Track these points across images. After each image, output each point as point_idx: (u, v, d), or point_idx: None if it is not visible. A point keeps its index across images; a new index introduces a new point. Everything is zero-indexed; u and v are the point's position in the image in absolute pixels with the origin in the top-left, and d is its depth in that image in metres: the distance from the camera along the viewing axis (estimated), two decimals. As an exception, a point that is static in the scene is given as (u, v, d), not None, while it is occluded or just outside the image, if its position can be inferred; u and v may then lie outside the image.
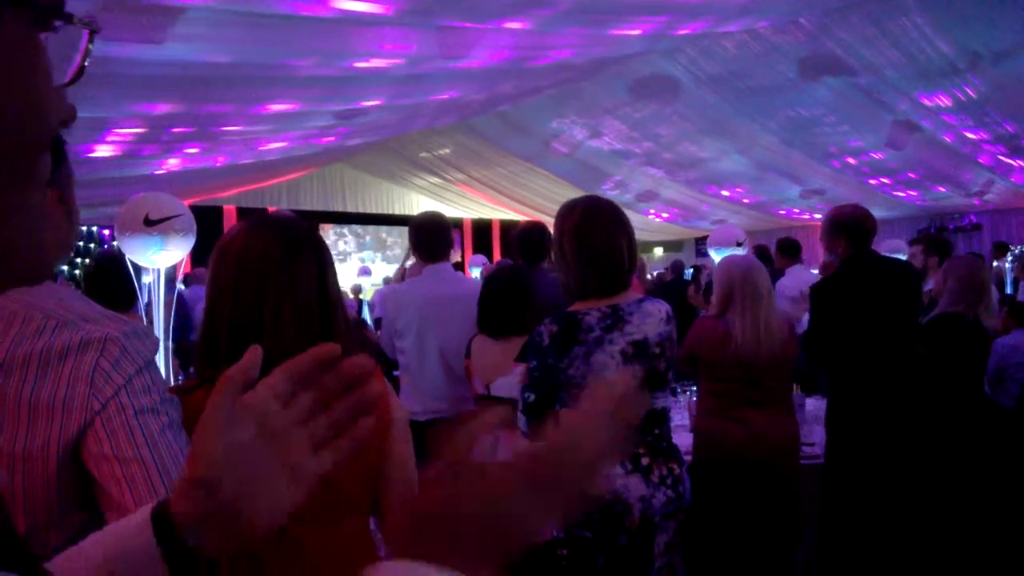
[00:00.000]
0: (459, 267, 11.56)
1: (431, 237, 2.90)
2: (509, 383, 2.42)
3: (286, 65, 5.45)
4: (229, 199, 13.69)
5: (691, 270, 10.19)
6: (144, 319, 2.21)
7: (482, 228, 18.02)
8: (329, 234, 15.79)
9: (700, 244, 19.64)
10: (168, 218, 2.08)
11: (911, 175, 12.05)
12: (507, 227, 18.30)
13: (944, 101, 9.31)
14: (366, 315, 9.00)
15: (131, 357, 0.98)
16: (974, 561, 2.87)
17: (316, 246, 1.36)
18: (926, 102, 9.41)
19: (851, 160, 11.63)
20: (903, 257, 5.85)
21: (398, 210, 16.88)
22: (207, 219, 13.58)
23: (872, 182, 12.58)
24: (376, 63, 5.75)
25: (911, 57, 8.34)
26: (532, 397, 1.98)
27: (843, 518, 2.85)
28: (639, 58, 8.54)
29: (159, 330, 2.16)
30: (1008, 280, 10.99)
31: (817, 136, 10.78)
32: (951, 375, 2.95)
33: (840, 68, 8.79)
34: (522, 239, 3.47)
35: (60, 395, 0.93)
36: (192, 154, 8.22)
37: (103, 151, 7.24)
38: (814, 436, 3.26)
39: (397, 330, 2.73)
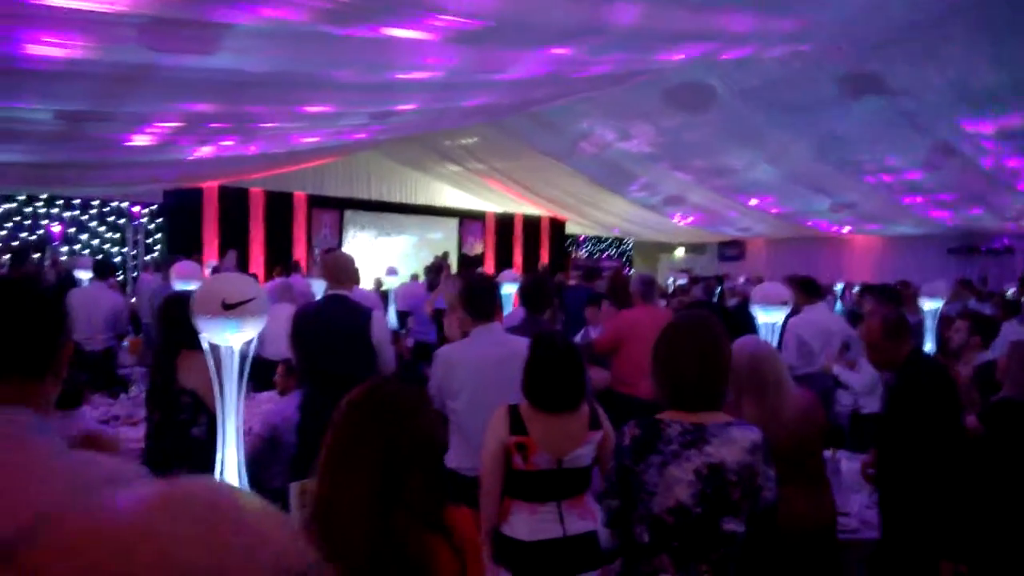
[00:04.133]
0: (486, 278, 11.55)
1: (481, 298, 2.95)
2: (586, 453, 2.47)
3: (327, 74, 5.47)
4: (255, 182, 13.78)
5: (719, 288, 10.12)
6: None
7: (505, 222, 17.99)
8: (353, 221, 15.85)
9: (723, 248, 19.53)
10: (244, 302, 2.13)
11: (945, 196, 11.92)
12: (530, 222, 18.27)
13: (986, 128, 9.18)
14: (392, 310, 9.05)
15: None
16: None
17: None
18: (967, 128, 9.28)
19: (886, 178, 11.51)
20: (940, 303, 5.77)
21: (421, 199, 16.88)
22: (234, 201, 13.82)
23: (905, 200, 12.45)
24: (416, 75, 5.76)
25: (955, 83, 8.21)
26: (615, 504, 2.02)
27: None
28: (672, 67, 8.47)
29: (230, 400, 2.22)
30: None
31: (852, 153, 10.67)
32: (1013, 462, 2.94)
33: (882, 88, 8.67)
34: (528, 289, 3.56)
35: None
36: (226, 145, 8.28)
37: (140, 140, 7.31)
38: (850, 505, 3.21)
39: (450, 390, 2.80)
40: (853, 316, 7.76)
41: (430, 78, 5.99)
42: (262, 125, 7.24)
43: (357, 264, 3.78)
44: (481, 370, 2.85)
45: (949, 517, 2.72)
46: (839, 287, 11.83)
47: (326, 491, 1.36)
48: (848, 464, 3.76)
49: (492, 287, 3.04)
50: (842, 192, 12.46)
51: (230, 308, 2.11)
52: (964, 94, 8.39)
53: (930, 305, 6.03)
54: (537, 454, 2.39)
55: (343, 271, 3.57)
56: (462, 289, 3.05)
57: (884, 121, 9.40)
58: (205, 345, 2.31)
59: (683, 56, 6.34)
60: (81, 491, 1.00)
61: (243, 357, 2.22)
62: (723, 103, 9.63)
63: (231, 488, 0.48)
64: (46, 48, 4.26)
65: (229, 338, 2.18)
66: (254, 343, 2.26)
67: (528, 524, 2.39)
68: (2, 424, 1.06)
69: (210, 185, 13.37)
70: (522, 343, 2.94)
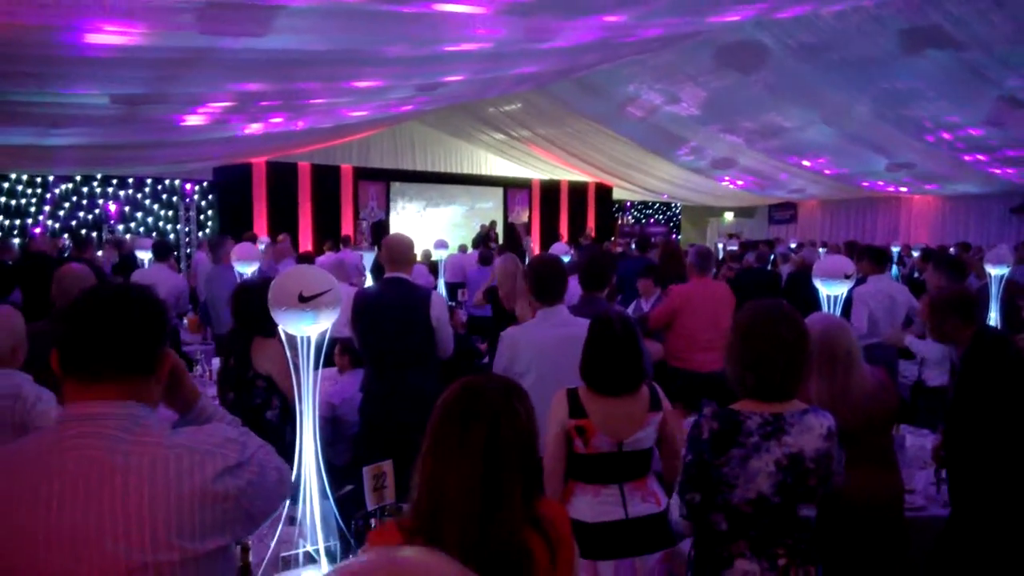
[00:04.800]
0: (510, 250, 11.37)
1: (548, 282, 2.96)
2: (646, 435, 2.46)
3: (377, 50, 5.45)
4: (302, 156, 13.93)
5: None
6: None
7: (550, 189, 17.86)
8: (399, 193, 15.95)
9: (773, 211, 19.08)
10: (320, 294, 2.17)
11: (1010, 152, 11.37)
12: (575, 188, 18.10)
13: (1057, 78, 8.69)
14: (441, 281, 9.12)
15: None
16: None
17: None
18: (1036, 79, 8.80)
19: (946, 135, 11.03)
20: (1007, 269, 5.54)
21: (466, 169, 16.86)
22: (282, 176, 14.01)
23: (966, 158, 11.93)
24: (465, 47, 5.70)
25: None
26: (697, 499, 2.00)
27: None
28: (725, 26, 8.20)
29: (306, 387, 2.27)
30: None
31: (912, 110, 10.23)
32: None
33: (946, 41, 8.25)
34: (586, 267, 3.51)
35: None
36: (275, 122, 8.37)
37: (193, 120, 7.44)
38: (915, 481, 3.16)
39: (516, 372, 2.83)
40: (912, 284, 7.52)
41: (478, 49, 5.93)
42: (311, 102, 7.29)
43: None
44: (547, 352, 2.86)
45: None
46: (895, 250, 11.47)
47: (433, 484, 1.38)
48: (912, 439, 3.68)
49: (560, 270, 3.02)
50: (901, 151, 12.01)
51: (306, 301, 2.16)
52: (1034, 43, 7.94)
53: (996, 271, 5.80)
54: (597, 437, 2.40)
55: (402, 256, 3.59)
56: (529, 272, 3.05)
57: (946, 75, 8.98)
58: (280, 333, 2.36)
59: (737, 18, 6.12)
60: (199, 460, 1.14)
61: (318, 346, 2.27)
62: (776, 62, 9.30)
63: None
64: (106, 36, 4.34)
65: (305, 329, 2.23)
66: (328, 332, 2.31)
67: (591, 506, 2.41)
68: (130, 413, 1.21)
69: (258, 161, 13.58)
70: (587, 325, 2.94)
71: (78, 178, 12.58)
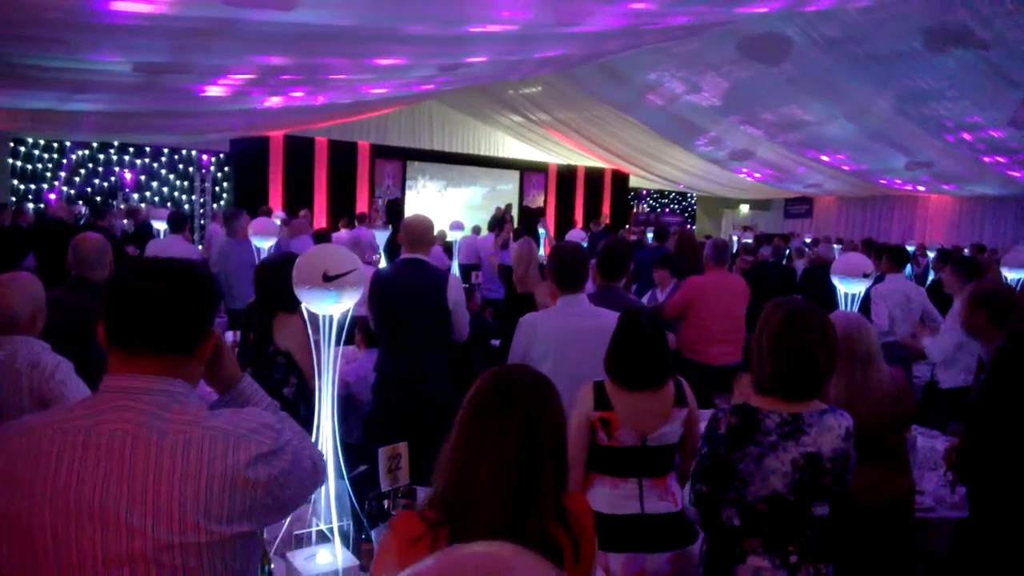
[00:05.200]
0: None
1: (570, 271, 2.94)
2: (672, 431, 2.46)
3: (402, 28, 5.42)
4: (319, 131, 13.89)
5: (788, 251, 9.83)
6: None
7: (567, 175, 17.77)
8: (416, 172, 15.91)
9: (789, 205, 18.94)
10: (344, 274, 2.17)
11: (1030, 155, 11.26)
12: (592, 175, 18.01)
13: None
14: (455, 261, 9.11)
15: None
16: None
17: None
18: (1060, 83, 8.67)
19: (966, 136, 10.91)
20: (1023, 273, 5.51)
21: (483, 150, 16.78)
22: (300, 150, 13.97)
23: (986, 159, 11.80)
24: (491, 28, 5.65)
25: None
26: (704, 489, 2.03)
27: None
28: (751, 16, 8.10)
29: (326, 365, 2.29)
30: None
31: (934, 108, 10.11)
32: None
33: (970, 40, 8.13)
34: (604, 256, 3.47)
35: None
36: (296, 96, 8.35)
37: (214, 92, 7.43)
38: (926, 483, 3.16)
39: (533, 358, 2.82)
40: (928, 284, 7.46)
41: (503, 31, 5.88)
42: (332, 77, 7.26)
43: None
44: (566, 341, 2.85)
45: None
46: (910, 249, 11.40)
47: (464, 476, 1.37)
48: (923, 441, 3.68)
49: (583, 259, 3.00)
50: (920, 149, 11.88)
51: (330, 280, 2.16)
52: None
53: (1013, 275, 5.76)
54: (621, 430, 2.41)
55: (421, 237, 3.58)
56: (551, 259, 3.03)
57: (970, 75, 8.86)
58: (303, 311, 2.38)
59: (766, 9, 6.04)
60: (233, 444, 1.15)
61: (340, 325, 2.27)
62: (799, 54, 9.20)
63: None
64: (132, 4, 4.33)
65: (328, 308, 2.24)
66: (351, 312, 2.32)
67: (609, 498, 2.42)
68: (170, 390, 1.21)
69: (276, 134, 13.55)
70: (608, 316, 2.93)
71: (95, 145, 12.61)
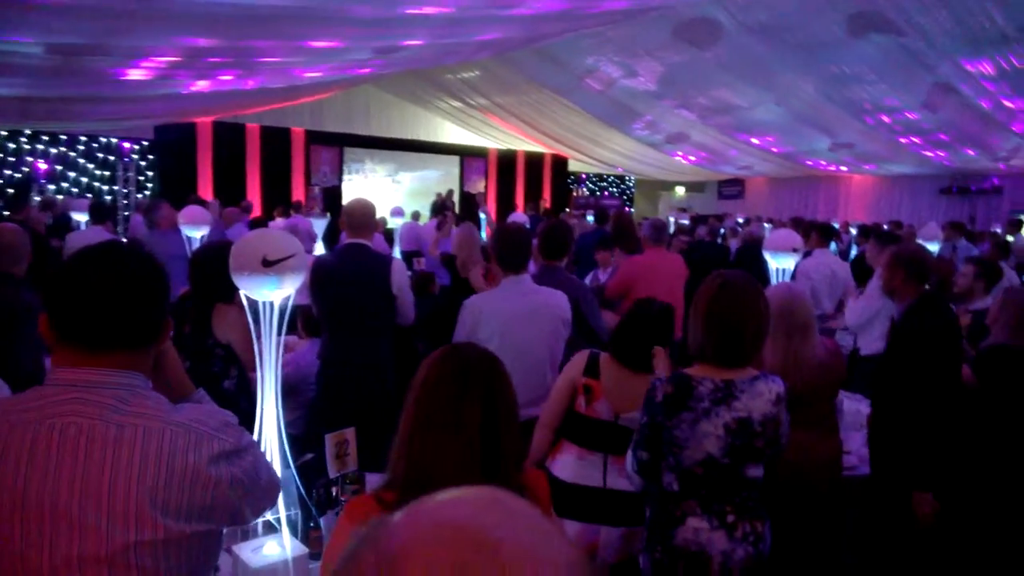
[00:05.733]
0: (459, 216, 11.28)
1: (513, 250, 2.94)
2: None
3: (338, 8, 5.29)
4: (250, 118, 13.46)
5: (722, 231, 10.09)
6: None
7: (507, 159, 17.74)
8: (353, 158, 15.58)
9: (722, 187, 19.45)
10: (285, 258, 2.10)
11: (942, 136, 11.88)
12: (532, 159, 18.04)
13: (987, 68, 9.09)
14: (397, 249, 8.99)
15: None
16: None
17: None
18: (969, 68, 9.19)
19: (885, 118, 11.44)
20: (936, 246, 5.85)
21: (422, 135, 16.58)
22: (229, 137, 13.49)
23: (903, 140, 12.40)
24: (427, 10, 5.58)
25: (961, 23, 8.09)
26: (646, 456, 2.09)
27: (886, 545, 2.92)
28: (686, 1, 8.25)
29: (268, 354, 2.23)
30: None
31: (854, 92, 10.57)
32: (1006, 410, 2.99)
33: (888, 27, 8.51)
34: (546, 236, 3.51)
35: None
36: (224, 79, 8.06)
37: (135, 75, 7.10)
38: (851, 443, 3.30)
39: (478, 339, 2.80)
40: (851, 259, 7.79)
41: (439, 13, 5.81)
42: (264, 60, 7.04)
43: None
44: (511, 321, 2.87)
45: (928, 453, 2.77)
46: (835, 226, 11.89)
47: (426, 457, 1.36)
48: (848, 404, 3.88)
49: (526, 239, 3.01)
50: (843, 131, 12.39)
51: (270, 265, 2.09)
52: (968, 33, 8.26)
53: (927, 247, 6.09)
54: (600, 401, 2.46)
55: (363, 222, 3.52)
56: (494, 240, 3.03)
57: (887, 60, 9.28)
58: (242, 299, 2.30)
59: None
60: (195, 440, 1.11)
61: (281, 312, 2.20)
62: (730, 39, 9.43)
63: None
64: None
65: (268, 294, 2.17)
66: (292, 298, 2.25)
67: (574, 467, 2.48)
68: (128, 383, 1.16)
69: (204, 120, 13.05)
70: (552, 295, 2.95)
71: (3, 133, 11.90)
